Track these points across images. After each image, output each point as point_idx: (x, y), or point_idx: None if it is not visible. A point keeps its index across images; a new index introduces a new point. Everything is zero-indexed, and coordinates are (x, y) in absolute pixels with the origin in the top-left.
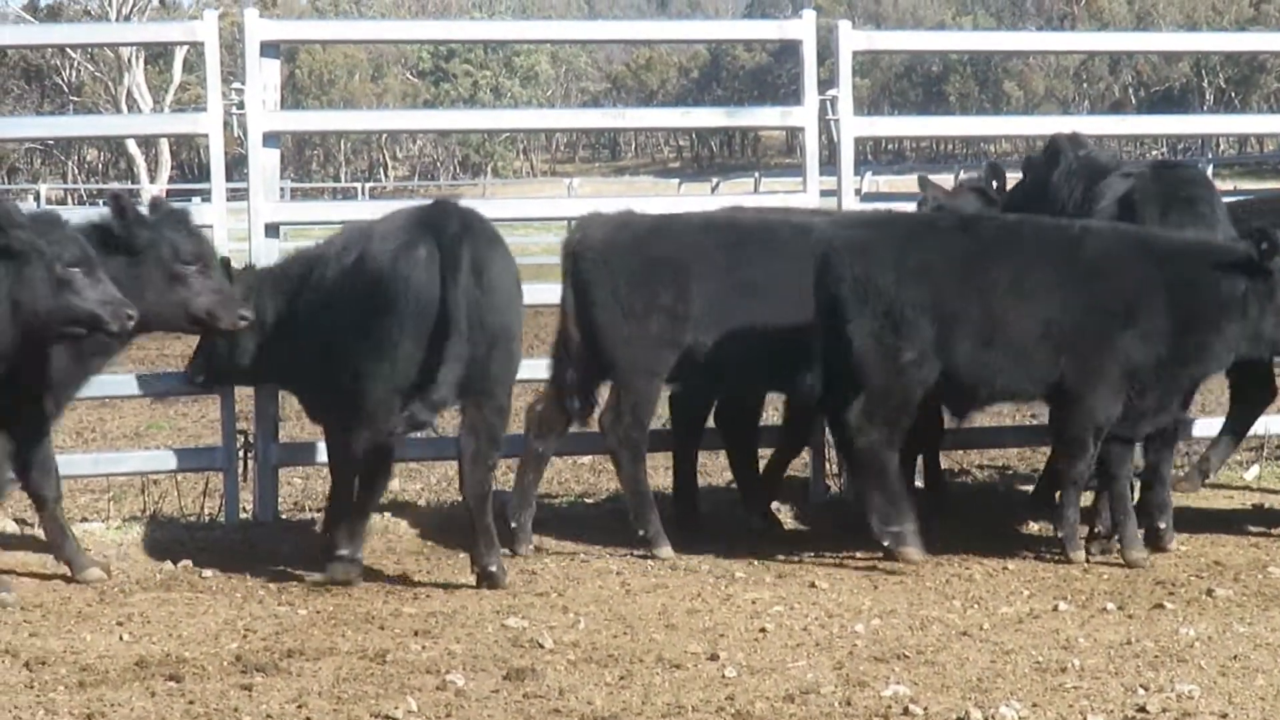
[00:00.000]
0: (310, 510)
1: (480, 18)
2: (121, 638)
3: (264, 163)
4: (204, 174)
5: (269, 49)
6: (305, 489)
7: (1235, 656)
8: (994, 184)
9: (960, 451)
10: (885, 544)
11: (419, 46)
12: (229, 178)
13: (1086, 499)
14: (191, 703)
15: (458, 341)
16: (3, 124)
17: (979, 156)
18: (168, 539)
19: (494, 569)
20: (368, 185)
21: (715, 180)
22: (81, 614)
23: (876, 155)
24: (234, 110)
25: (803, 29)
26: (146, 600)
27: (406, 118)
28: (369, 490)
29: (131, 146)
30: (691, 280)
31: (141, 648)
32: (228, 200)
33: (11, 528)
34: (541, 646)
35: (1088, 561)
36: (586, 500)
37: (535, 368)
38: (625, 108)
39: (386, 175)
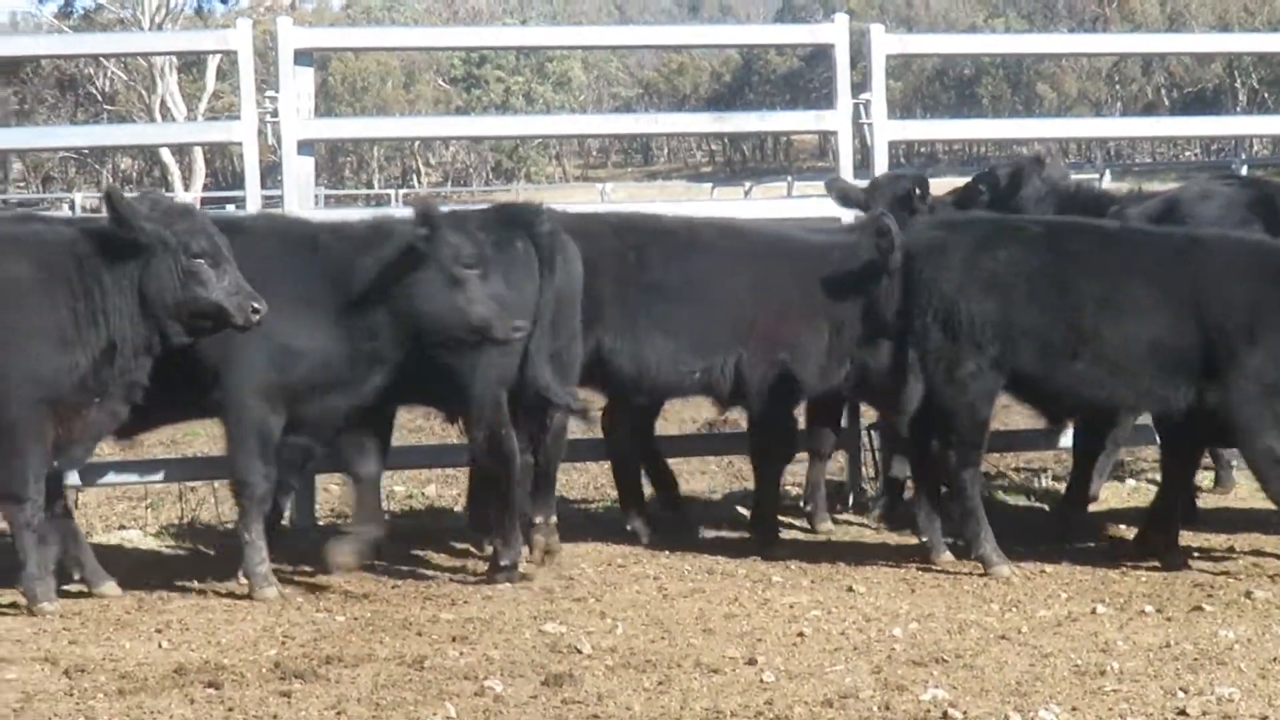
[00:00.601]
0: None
1: (512, 24)
2: (160, 645)
3: (299, 170)
4: (237, 182)
5: (303, 57)
6: (342, 496)
7: (1275, 659)
8: (918, 192)
9: (996, 454)
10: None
11: (451, 53)
12: (262, 185)
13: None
14: (231, 709)
15: (550, 336)
16: (41, 133)
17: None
18: (205, 546)
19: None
20: (400, 192)
21: (748, 184)
22: (120, 621)
23: (909, 158)
24: (268, 118)
25: (835, 33)
26: (185, 607)
27: (440, 124)
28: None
29: (166, 155)
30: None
31: (180, 655)
32: (261, 208)
33: None
34: (579, 652)
35: None
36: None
37: None
38: (658, 112)
39: (420, 181)
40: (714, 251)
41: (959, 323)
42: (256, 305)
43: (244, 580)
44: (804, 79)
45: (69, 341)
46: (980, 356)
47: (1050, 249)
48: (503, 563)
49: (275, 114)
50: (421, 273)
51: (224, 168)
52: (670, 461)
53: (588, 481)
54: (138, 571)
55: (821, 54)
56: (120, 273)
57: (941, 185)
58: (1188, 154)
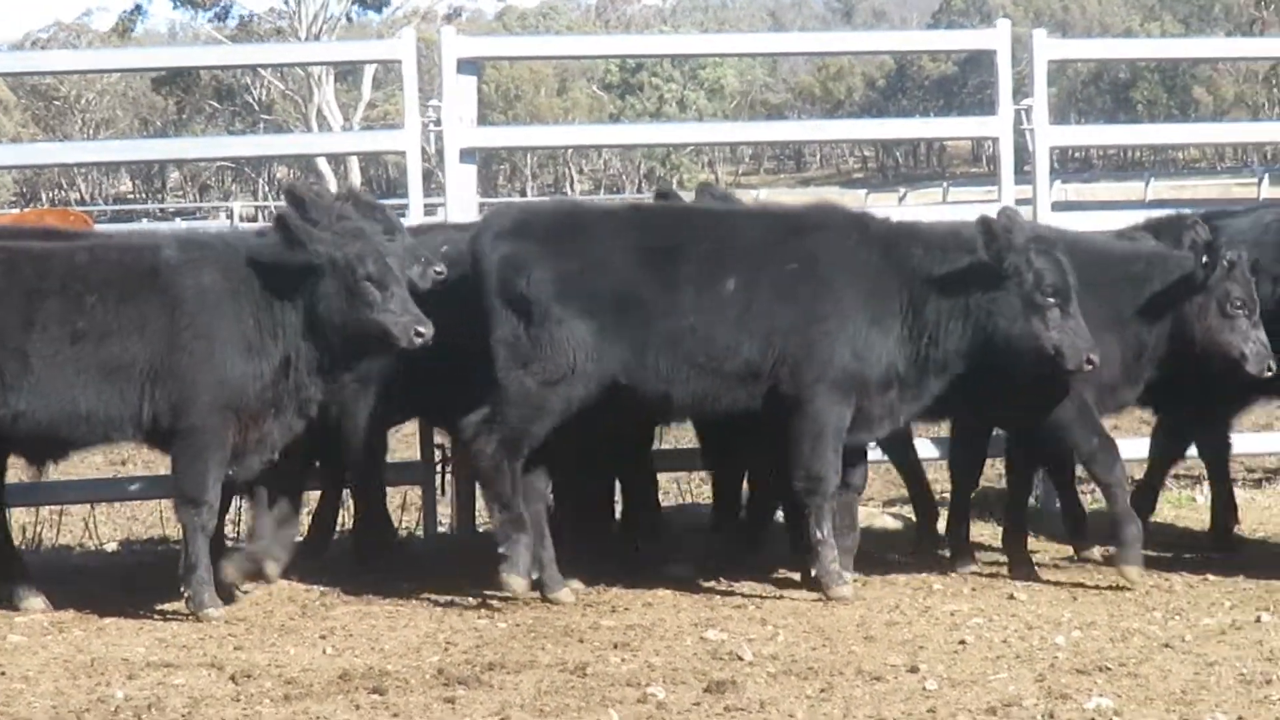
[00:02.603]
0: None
1: (666, 31)
2: (324, 651)
3: (461, 178)
4: (391, 189)
5: (466, 65)
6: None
7: None
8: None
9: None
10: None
11: (605, 60)
12: None
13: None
14: (396, 715)
15: None
16: (202, 144)
17: (1167, 164)
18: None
19: None
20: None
21: (903, 190)
22: (284, 627)
23: (1064, 164)
24: (432, 127)
25: (997, 38)
26: (348, 614)
27: (598, 132)
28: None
29: (322, 164)
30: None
31: (344, 661)
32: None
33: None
34: (741, 659)
35: None
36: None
37: None
38: (810, 118)
39: (572, 189)
40: None
41: None
42: (421, 329)
43: None
44: (957, 84)
45: (254, 350)
46: None
47: None
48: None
49: (438, 122)
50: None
51: (378, 176)
52: None
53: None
54: (305, 575)
55: (976, 59)
56: (293, 289)
57: (1095, 191)
58: None
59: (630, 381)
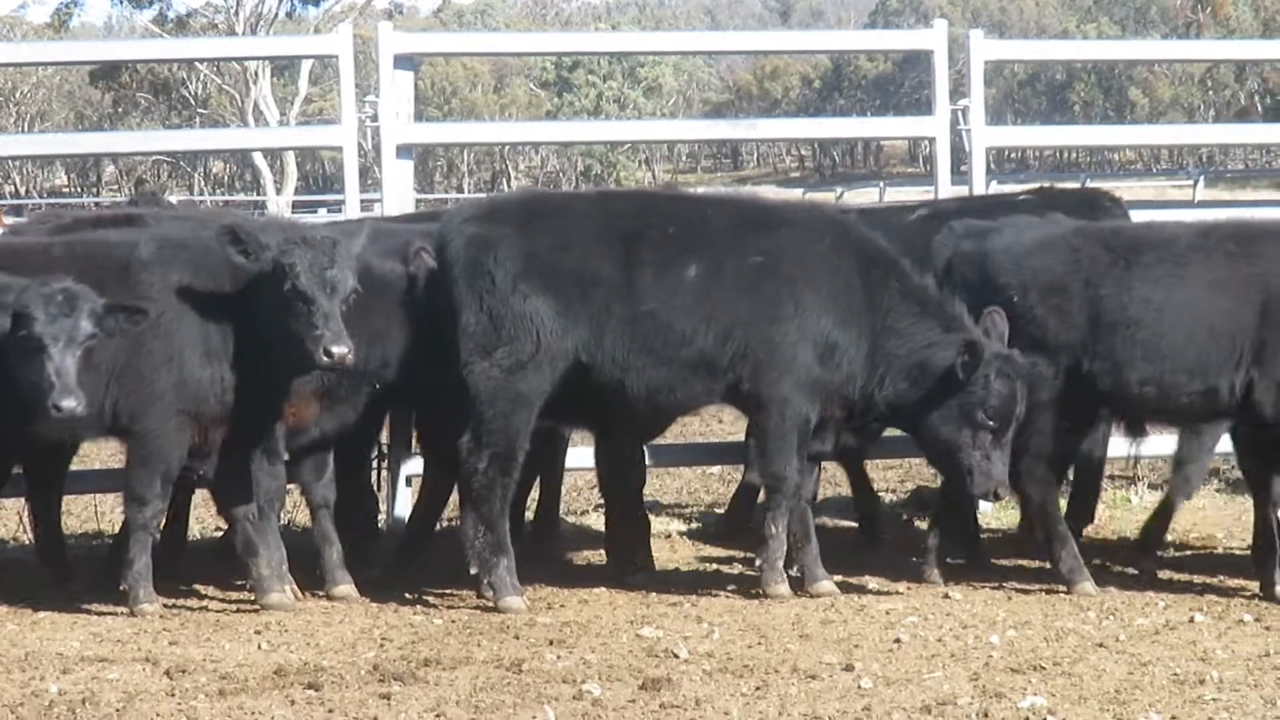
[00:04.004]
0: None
1: (604, 29)
2: (259, 646)
3: (398, 174)
4: (328, 185)
5: (402, 61)
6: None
7: None
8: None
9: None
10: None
11: (542, 57)
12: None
13: None
14: (331, 711)
15: None
16: (138, 138)
17: (1103, 165)
18: (301, 548)
19: None
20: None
21: (840, 190)
22: (219, 623)
23: (1000, 164)
24: (368, 122)
25: (934, 39)
26: (283, 609)
27: (537, 129)
28: None
29: (258, 159)
30: None
31: (279, 656)
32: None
33: None
34: (676, 656)
35: None
36: (717, 510)
37: None
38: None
39: (509, 186)
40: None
41: None
42: (337, 349)
43: None
44: (894, 84)
45: (215, 355)
46: None
47: None
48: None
49: (375, 118)
50: None
51: (314, 171)
52: None
53: (680, 486)
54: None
55: (913, 59)
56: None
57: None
58: None
59: None
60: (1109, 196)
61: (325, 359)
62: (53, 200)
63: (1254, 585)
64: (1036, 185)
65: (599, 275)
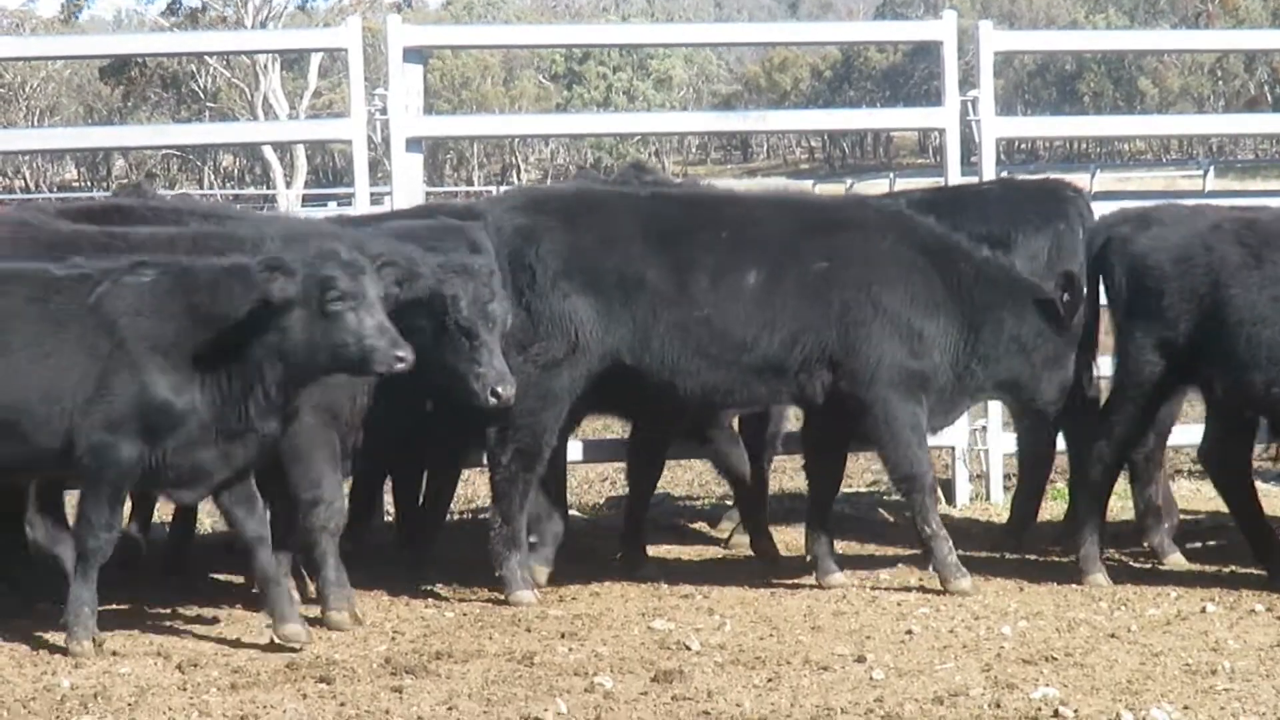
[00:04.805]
0: (455, 513)
1: (614, 21)
2: (271, 640)
3: (407, 167)
4: (338, 179)
5: (412, 54)
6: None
7: None
8: None
9: None
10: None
11: (553, 50)
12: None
13: None
14: (343, 704)
15: None
16: (148, 132)
17: (1113, 156)
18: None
19: None
20: (501, 189)
21: (850, 181)
22: (231, 616)
23: (1010, 155)
24: (378, 115)
25: (943, 30)
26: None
27: (547, 122)
28: None
29: (268, 152)
30: None
31: (291, 650)
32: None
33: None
34: (688, 648)
35: None
36: (728, 502)
37: None
38: (759, 109)
39: (519, 178)
40: None
41: None
42: (505, 390)
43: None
44: (904, 75)
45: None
46: None
47: None
48: None
49: (384, 111)
50: None
51: (324, 165)
52: None
53: (692, 479)
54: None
55: (923, 50)
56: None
57: None
58: None
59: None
60: (1071, 187)
61: (493, 400)
62: (63, 195)
63: (1265, 575)
64: (997, 177)
65: (645, 277)
